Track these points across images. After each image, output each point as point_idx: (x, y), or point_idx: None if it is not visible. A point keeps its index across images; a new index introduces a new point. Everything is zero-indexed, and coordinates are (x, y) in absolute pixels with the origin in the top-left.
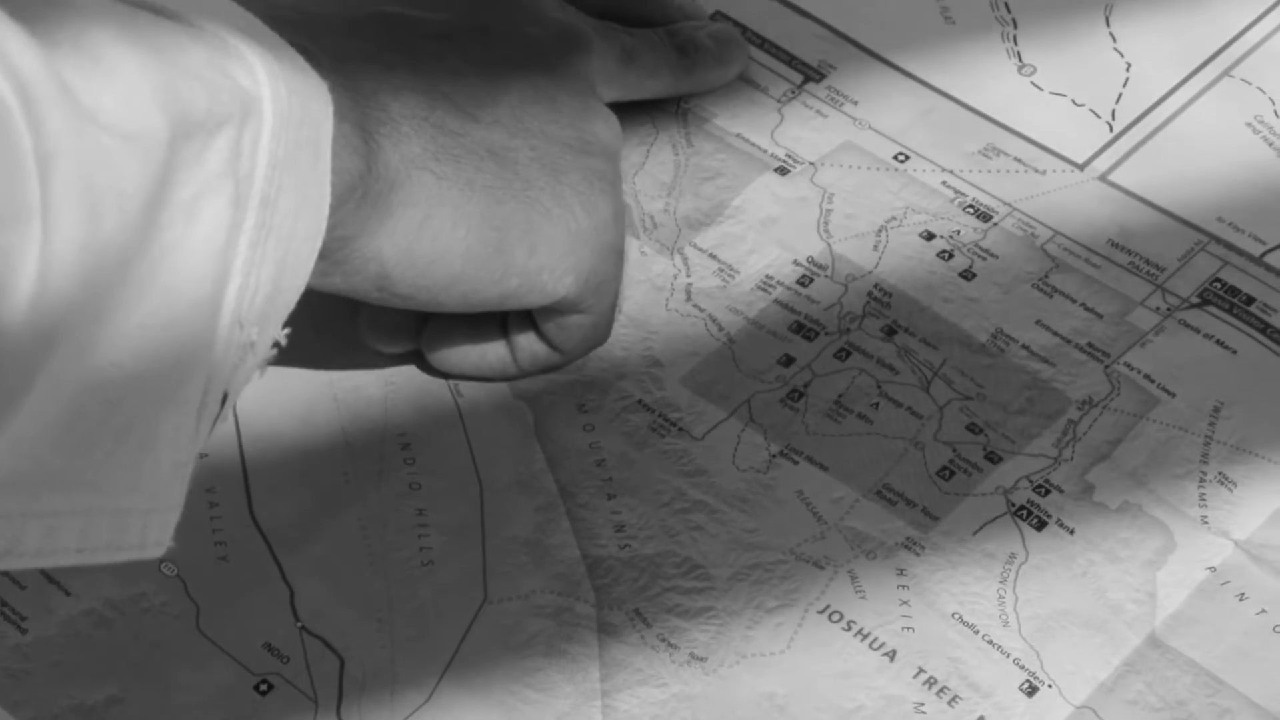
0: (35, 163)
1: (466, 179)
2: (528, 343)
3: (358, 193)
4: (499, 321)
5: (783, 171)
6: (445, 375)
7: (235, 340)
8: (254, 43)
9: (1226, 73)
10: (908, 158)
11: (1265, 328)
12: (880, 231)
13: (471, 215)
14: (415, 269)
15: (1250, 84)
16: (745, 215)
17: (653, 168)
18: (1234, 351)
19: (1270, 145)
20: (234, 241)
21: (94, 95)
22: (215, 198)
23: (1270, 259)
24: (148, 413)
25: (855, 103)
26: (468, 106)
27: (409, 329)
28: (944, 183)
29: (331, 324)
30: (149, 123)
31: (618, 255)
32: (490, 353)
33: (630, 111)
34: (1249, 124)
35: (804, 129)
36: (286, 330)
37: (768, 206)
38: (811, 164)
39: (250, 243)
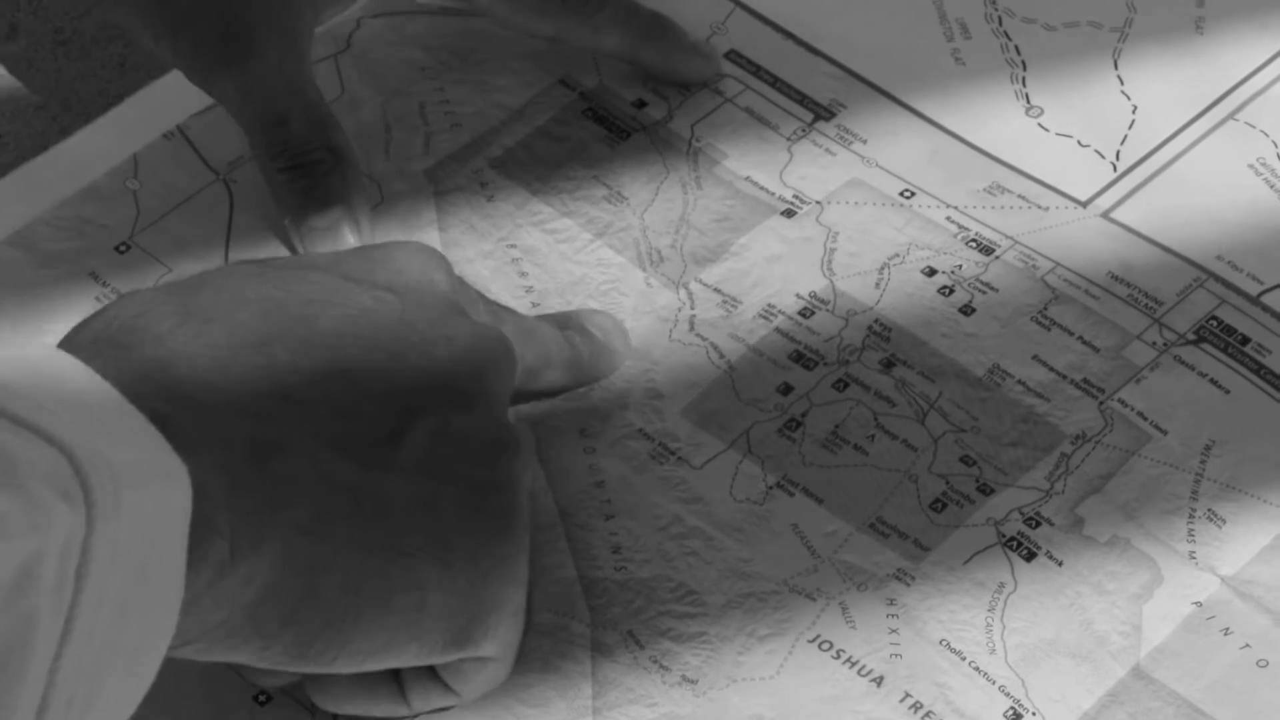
0: None
1: (355, 539)
2: (421, 685)
3: (224, 574)
4: None
5: (789, 214)
6: (330, 714)
7: None
8: (84, 449)
9: (1231, 116)
10: (913, 194)
11: (1259, 369)
12: (883, 269)
13: (360, 580)
14: (300, 640)
15: (1254, 128)
16: (750, 253)
17: (661, 205)
18: (1227, 391)
19: (1272, 188)
20: (41, 667)
21: None
22: (14, 623)
23: (1267, 299)
24: None
25: (864, 141)
26: (362, 452)
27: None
28: (948, 218)
29: None
30: None
31: (517, 606)
32: (379, 692)
33: (642, 150)
34: (1251, 166)
35: (812, 166)
36: None
37: (773, 246)
38: (818, 203)
39: (74, 658)
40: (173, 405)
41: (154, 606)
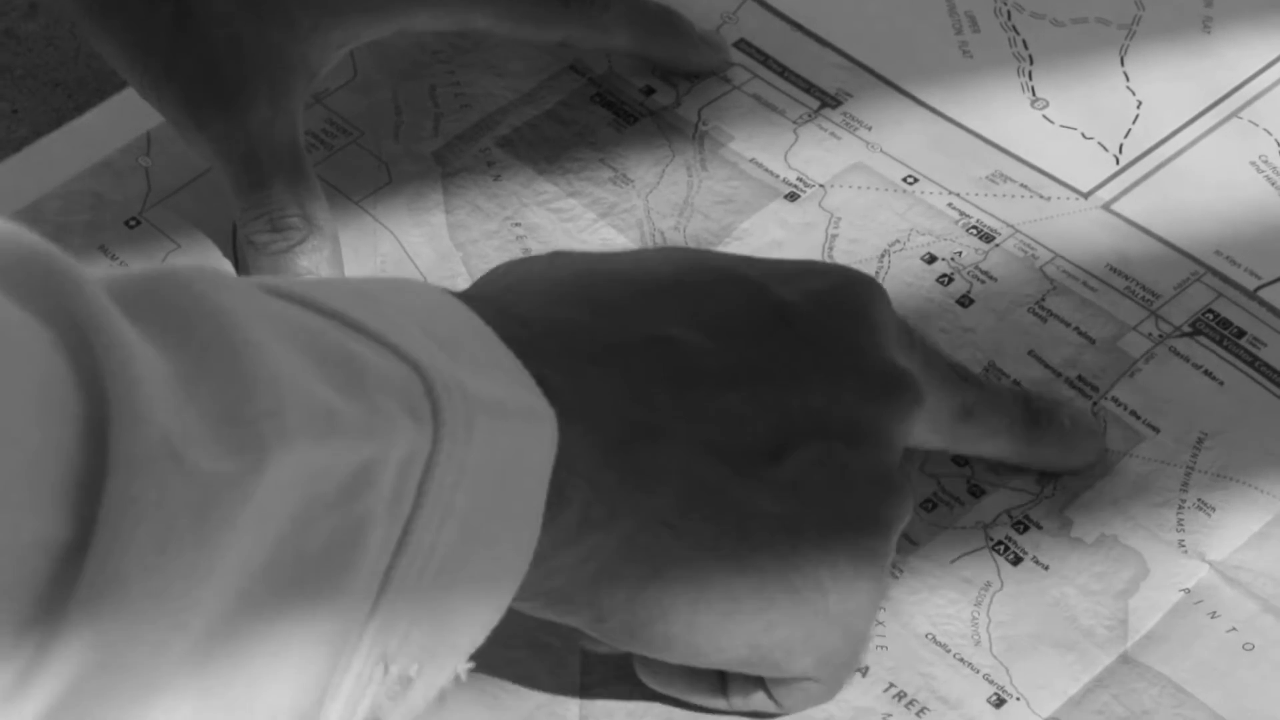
0: (91, 459)
1: (711, 543)
2: (746, 686)
3: (572, 542)
4: None
5: (792, 198)
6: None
7: (378, 678)
8: (445, 377)
9: (1235, 114)
10: (916, 180)
11: (1254, 360)
12: (883, 256)
13: (705, 582)
14: (634, 621)
15: (1258, 125)
16: (752, 237)
17: (666, 188)
18: (1221, 383)
19: (1273, 184)
20: (371, 575)
21: (196, 410)
22: (357, 540)
23: (1264, 294)
24: None
25: (869, 128)
26: (738, 459)
27: None
28: (950, 204)
29: None
30: (261, 443)
31: (864, 639)
32: (702, 683)
33: (648, 134)
34: (1253, 163)
35: (817, 149)
36: (470, 665)
37: (774, 230)
38: (821, 186)
39: (403, 576)
40: (554, 369)
41: (504, 542)
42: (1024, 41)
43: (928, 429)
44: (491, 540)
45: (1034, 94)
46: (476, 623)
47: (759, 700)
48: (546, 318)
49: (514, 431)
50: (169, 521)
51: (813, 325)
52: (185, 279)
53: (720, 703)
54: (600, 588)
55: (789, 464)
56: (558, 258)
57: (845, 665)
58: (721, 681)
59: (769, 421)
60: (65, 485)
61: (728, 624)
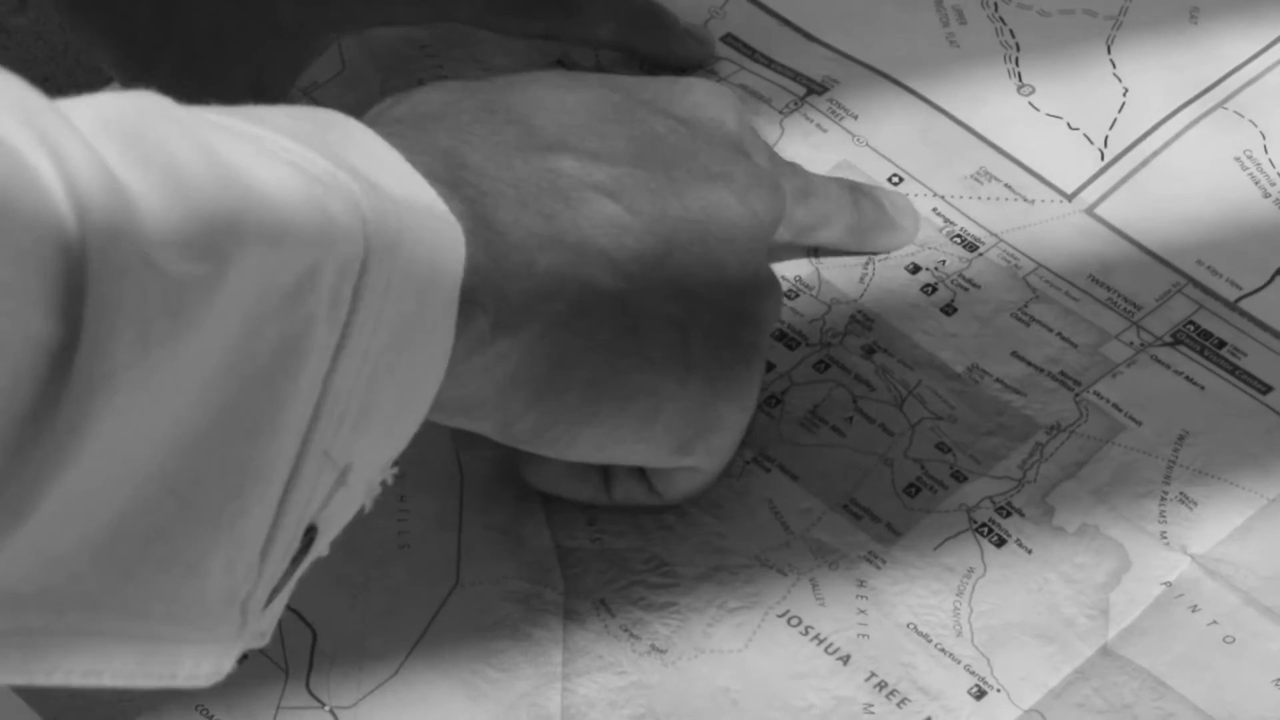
0: (74, 267)
1: (606, 341)
2: (627, 481)
3: (482, 344)
4: None
5: None
6: (536, 489)
7: (321, 475)
8: (367, 181)
9: (1221, 105)
10: (901, 180)
11: (1235, 369)
12: (867, 264)
13: (606, 379)
14: (540, 422)
15: (1243, 117)
16: None
17: None
18: (1202, 388)
19: (1256, 184)
20: (315, 378)
21: (167, 220)
22: (295, 332)
23: (1245, 304)
24: (197, 545)
25: (855, 117)
26: (625, 264)
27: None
28: (934, 209)
29: None
30: (220, 251)
31: (741, 428)
32: (586, 482)
33: None
34: (1238, 159)
35: (803, 145)
36: (394, 470)
37: None
38: None
39: (339, 381)
40: (456, 189)
41: (424, 347)
42: (1011, 31)
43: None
44: (414, 346)
45: (1020, 79)
46: (401, 429)
47: (641, 493)
48: (442, 140)
49: (430, 241)
50: (148, 321)
51: (681, 138)
52: (140, 105)
53: (604, 499)
54: (508, 393)
55: (673, 266)
56: (443, 87)
57: (727, 453)
58: (604, 479)
59: (650, 230)
60: (53, 289)
61: (626, 419)
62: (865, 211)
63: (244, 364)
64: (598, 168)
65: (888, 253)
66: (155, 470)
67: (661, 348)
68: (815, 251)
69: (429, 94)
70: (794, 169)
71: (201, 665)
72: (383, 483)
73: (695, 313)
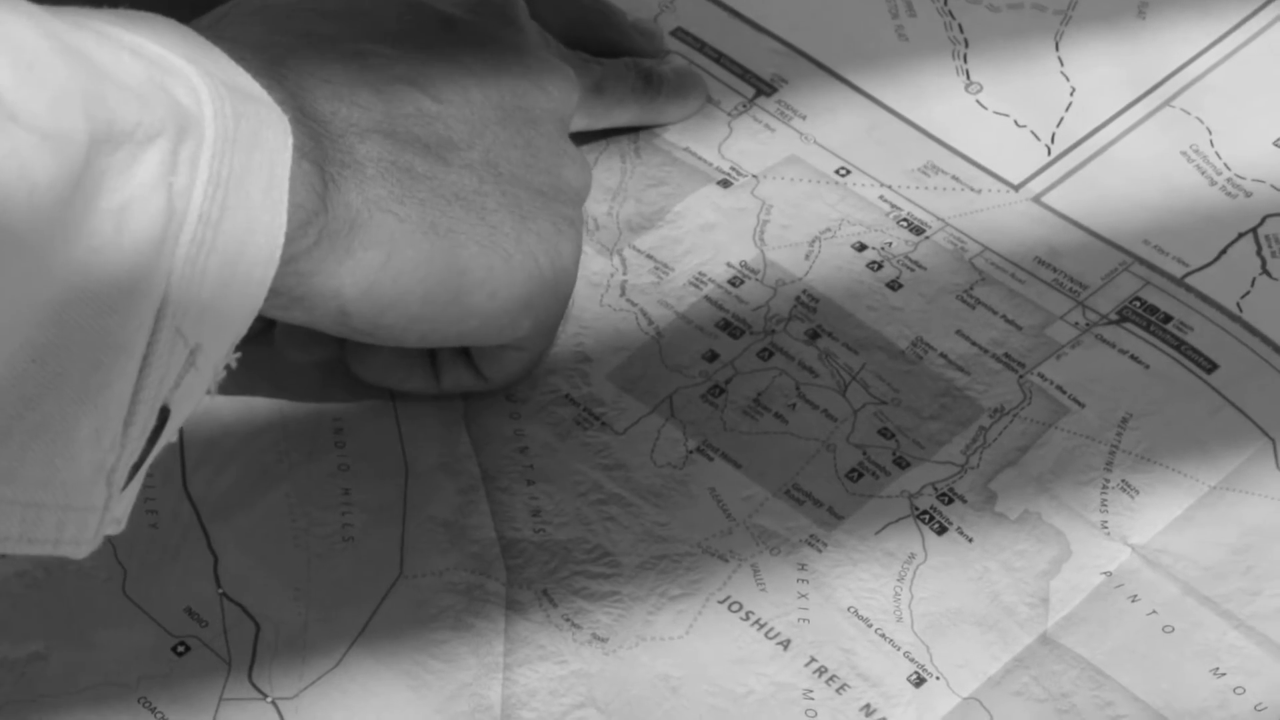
0: None
1: (430, 223)
2: (454, 367)
3: (314, 230)
4: None
5: (725, 184)
6: (367, 383)
7: (174, 353)
8: (203, 68)
9: (1168, 102)
10: (849, 172)
11: (1180, 344)
12: (814, 242)
13: (434, 259)
14: (375, 308)
15: (1190, 114)
16: (685, 221)
17: (600, 173)
18: (1147, 366)
19: (1202, 173)
20: (168, 253)
21: (18, 96)
22: (145, 208)
23: (1191, 280)
24: (65, 412)
25: (803, 117)
26: (440, 149)
27: (329, 339)
28: (881, 197)
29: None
30: (70, 125)
31: (562, 305)
32: (416, 370)
33: None
34: (1184, 152)
35: (751, 142)
36: (237, 355)
37: (707, 214)
38: (754, 176)
39: (188, 257)
40: (280, 82)
41: (260, 228)
42: (959, 26)
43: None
44: (251, 228)
45: (968, 77)
46: (242, 312)
47: (469, 379)
48: (257, 39)
49: (260, 128)
50: (5, 188)
51: (472, 30)
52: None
53: (432, 387)
54: (341, 281)
55: (481, 148)
56: None
57: (553, 328)
58: (432, 368)
59: (457, 114)
60: None
61: (459, 297)
62: (657, 91)
63: (95, 236)
64: (405, 62)
65: (669, 123)
66: (22, 342)
67: (483, 225)
68: (612, 127)
69: (234, 3)
70: (583, 60)
71: (82, 533)
72: (226, 367)
73: (510, 190)
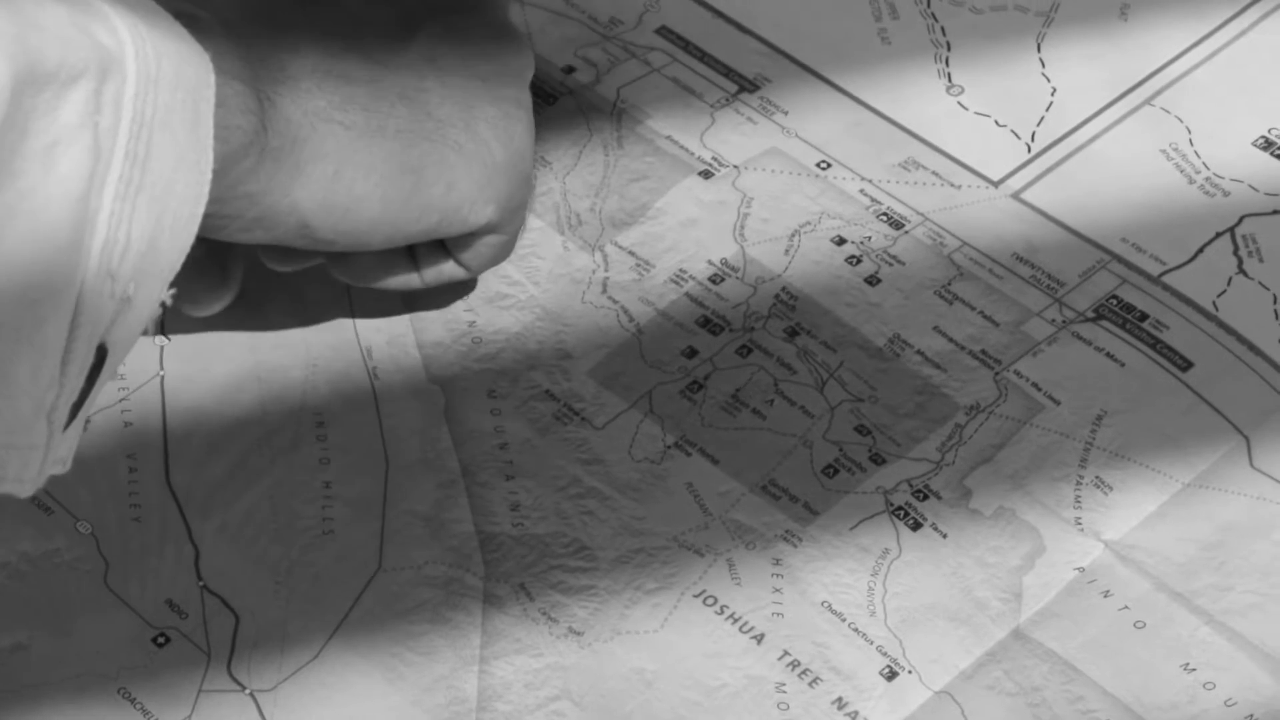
0: None
1: (376, 126)
2: (434, 260)
3: (255, 149)
4: None
5: (706, 175)
6: (352, 284)
7: (107, 292)
8: (121, 9)
9: (1148, 101)
10: (829, 165)
11: (1155, 343)
12: (793, 236)
13: (385, 161)
14: (334, 217)
15: (1169, 113)
16: (666, 217)
17: (583, 169)
18: (1122, 364)
19: (1181, 172)
20: (96, 192)
21: None
22: (72, 148)
23: (1168, 279)
24: (2, 351)
25: (785, 113)
26: (375, 53)
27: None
28: (861, 190)
29: (261, 308)
30: None
31: (530, 179)
32: (396, 267)
33: (568, 114)
34: (1163, 151)
35: (733, 133)
36: (172, 291)
37: (689, 209)
38: (735, 167)
39: (117, 195)
40: (197, 7)
41: (189, 163)
42: (942, 29)
43: None
44: (178, 165)
45: (950, 79)
46: (173, 250)
47: (449, 269)
48: None
49: (183, 62)
50: None
51: None
52: None
53: (415, 280)
54: (295, 197)
55: (419, 43)
56: None
57: (520, 208)
58: (413, 261)
59: (385, 14)
60: None
61: (416, 195)
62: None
63: (23, 176)
64: None
65: None
66: None
67: (430, 120)
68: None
69: None
70: None
71: (24, 471)
72: (162, 304)
73: (451, 81)
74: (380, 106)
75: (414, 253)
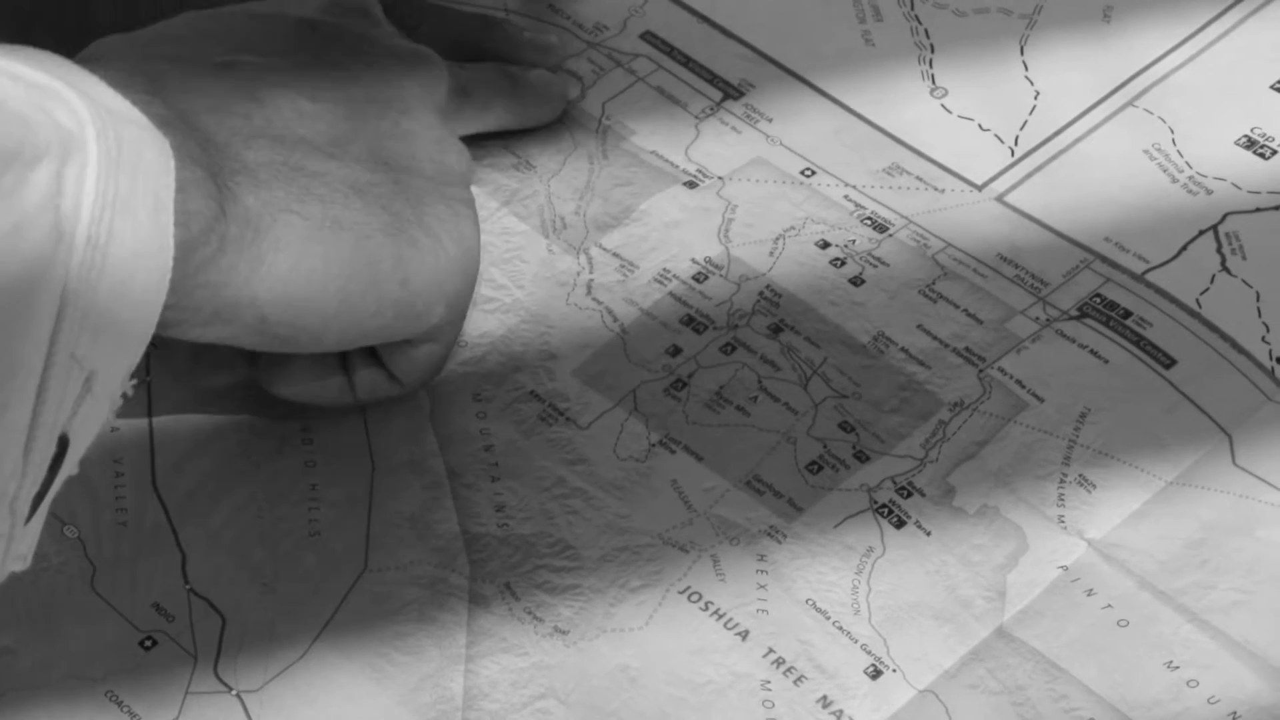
0: None
1: (333, 218)
2: (368, 374)
3: (215, 236)
4: (338, 353)
5: (691, 185)
6: (284, 401)
7: (70, 378)
8: (82, 91)
9: (1131, 102)
10: (814, 173)
11: (1139, 340)
12: (778, 239)
13: (343, 253)
14: (293, 310)
15: (1152, 114)
16: (650, 219)
17: (568, 174)
18: (1106, 361)
19: (1164, 171)
20: (58, 276)
21: None
22: (34, 229)
23: (1152, 276)
24: None
25: (770, 120)
26: (326, 147)
27: (239, 361)
28: (846, 196)
29: None
30: None
31: (470, 288)
32: (329, 383)
33: (552, 127)
34: (1146, 151)
35: (717, 144)
36: (133, 382)
37: (673, 212)
38: (720, 178)
39: (79, 279)
40: (150, 96)
41: (150, 252)
42: (926, 31)
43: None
44: (139, 250)
45: (933, 82)
46: (136, 337)
47: (383, 383)
48: (131, 69)
49: (144, 146)
50: None
51: (335, 29)
52: None
53: (348, 397)
54: (255, 290)
55: (363, 141)
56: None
57: (461, 317)
58: (347, 377)
59: (336, 111)
60: None
61: (373, 288)
62: (523, 93)
63: (9, 275)
64: (275, 68)
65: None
66: None
67: (385, 214)
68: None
69: (108, 40)
70: (449, 65)
71: None
72: (124, 395)
73: (401, 179)
74: (335, 198)
75: (347, 366)
